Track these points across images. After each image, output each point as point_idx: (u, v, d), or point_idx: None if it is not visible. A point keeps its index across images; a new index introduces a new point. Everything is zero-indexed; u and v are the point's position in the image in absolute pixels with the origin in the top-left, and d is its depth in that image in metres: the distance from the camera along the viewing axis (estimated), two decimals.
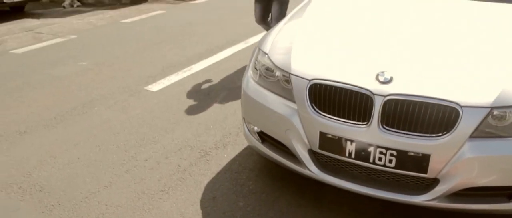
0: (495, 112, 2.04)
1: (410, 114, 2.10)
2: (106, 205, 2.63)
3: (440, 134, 2.07)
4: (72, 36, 6.94)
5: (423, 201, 2.20)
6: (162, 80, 4.70)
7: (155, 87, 4.54)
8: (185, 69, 5.07)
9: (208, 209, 2.57)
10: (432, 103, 2.07)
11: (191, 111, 3.92)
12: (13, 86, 4.69)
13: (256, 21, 5.00)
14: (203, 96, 4.25)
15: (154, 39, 6.48)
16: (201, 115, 3.84)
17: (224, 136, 3.44)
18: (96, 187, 2.81)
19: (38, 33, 7.32)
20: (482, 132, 2.06)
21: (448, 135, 2.05)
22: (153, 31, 7.04)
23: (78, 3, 10.33)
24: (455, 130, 2.05)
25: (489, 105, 2.03)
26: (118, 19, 8.28)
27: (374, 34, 2.60)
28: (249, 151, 3.16)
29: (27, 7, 9.75)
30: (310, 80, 2.32)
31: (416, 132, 2.10)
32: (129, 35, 6.87)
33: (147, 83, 4.62)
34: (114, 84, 4.60)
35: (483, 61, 2.27)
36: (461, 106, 2.04)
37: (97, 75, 4.93)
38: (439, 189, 2.16)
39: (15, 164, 3.12)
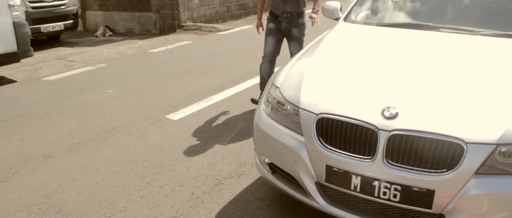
0: (503, 149, 2.05)
1: (414, 149, 2.14)
2: None
3: (444, 170, 2.09)
4: (101, 65, 7.21)
5: None
6: (183, 110, 4.84)
7: (176, 116, 4.67)
8: (207, 99, 5.20)
9: None
10: (437, 139, 2.10)
11: (208, 140, 4.02)
12: (42, 111, 4.90)
13: (264, 56, 4.68)
14: (222, 126, 4.35)
15: (179, 69, 6.67)
16: (218, 144, 3.93)
17: (239, 166, 3.51)
18: (112, 211, 2.91)
19: (70, 61, 7.63)
20: (490, 168, 2.08)
21: (453, 171, 2.08)
22: (179, 61, 7.24)
23: (110, 33, 10.73)
24: (459, 166, 2.07)
25: (494, 142, 2.05)
26: (146, 49, 8.56)
27: (382, 71, 2.67)
28: (262, 181, 3.21)
29: (63, 36, 10.18)
30: (317, 114, 2.39)
31: (420, 167, 2.13)
32: (156, 65, 7.09)
33: (169, 112, 4.76)
34: (137, 112, 4.76)
35: (489, 98, 2.30)
36: (466, 143, 2.06)
37: (122, 103, 5.11)
38: None
39: (37, 186, 3.26)
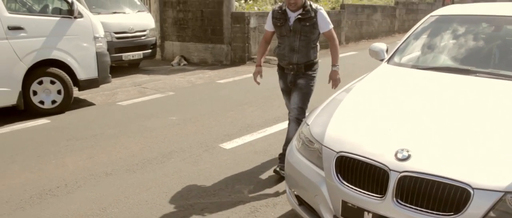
0: None
1: (422, 191, 2.25)
2: None
3: (451, 213, 2.18)
4: (171, 93, 7.76)
5: None
6: (236, 139, 5.14)
7: (228, 145, 4.98)
8: (260, 130, 5.47)
9: None
10: (444, 183, 2.20)
11: (254, 170, 4.27)
12: (111, 133, 5.43)
13: (289, 115, 4.19)
14: (268, 157, 4.59)
15: (241, 100, 7.03)
16: (262, 174, 4.16)
17: (277, 196, 3.72)
18: None
19: (144, 88, 8.29)
20: (502, 214, 2.12)
21: (459, 215, 2.15)
22: (242, 93, 7.62)
23: (185, 62, 11.42)
24: (465, 210, 2.14)
25: (502, 190, 2.11)
26: (214, 79, 9.07)
27: (405, 113, 2.80)
28: (294, 212, 3.39)
29: (142, 64, 11.01)
30: (337, 152, 2.58)
31: (428, 209, 2.23)
32: (220, 95, 7.52)
33: (223, 141, 5.08)
34: (194, 139, 5.13)
35: (503, 144, 2.35)
36: (473, 188, 2.14)
37: (182, 129, 5.53)
38: None
39: (96, 199, 3.68)
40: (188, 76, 9.51)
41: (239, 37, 11.00)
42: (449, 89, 3.13)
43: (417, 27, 4.12)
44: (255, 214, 3.43)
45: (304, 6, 3.81)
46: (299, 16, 3.79)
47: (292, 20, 3.82)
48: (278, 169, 4.02)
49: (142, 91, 8.01)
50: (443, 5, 14.85)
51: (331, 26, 3.94)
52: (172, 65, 11.23)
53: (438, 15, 4.13)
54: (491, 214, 2.12)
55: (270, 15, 3.99)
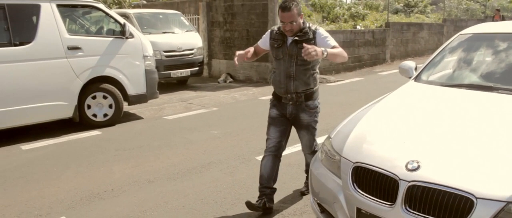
0: None
1: (429, 199, 2.40)
2: None
3: None
4: (215, 108, 8.13)
5: None
6: None
7: (284, 150, 5.21)
8: (296, 145, 5.65)
9: None
10: (449, 192, 2.34)
11: (286, 180, 4.49)
12: (156, 145, 5.82)
13: (267, 149, 3.78)
14: (301, 170, 4.79)
15: None
16: (292, 185, 4.38)
17: (305, 205, 3.92)
18: None
19: (189, 103, 8.72)
20: None
21: None
22: None
23: (231, 79, 11.83)
24: None
25: (505, 200, 2.23)
26: (257, 96, 9.38)
27: (418, 128, 2.94)
28: None
29: (190, 81, 11.52)
30: (354, 163, 2.77)
31: (434, 216, 2.38)
32: (262, 111, 7.79)
33: (259, 154, 5.33)
34: (232, 152, 5.42)
35: (509, 155, 2.46)
36: (476, 197, 2.27)
37: (222, 142, 5.84)
38: None
39: (138, 203, 4.03)
40: (232, 93, 9.87)
41: None
42: (467, 105, 3.25)
43: (446, 46, 4.24)
44: None
45: (302, 28, 3.52)
46: (296, 37, 3.48)
47: (289, 42, 3.53)
48: (304, 190, 4.18)
49: (187, 106, 8.43)
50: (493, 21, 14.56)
51: (334, 42, 3.53)
52: (218, 82, 11.66)
53: (467, 33, 4.24)
54: None
55: (267, 34, 3.69)
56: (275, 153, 3.75)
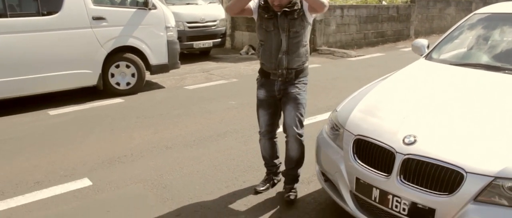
0: (509, 184, 2.34)
1: (422, 172, 2.54)
2: (201, 206, 3.54)
3: (446, 193, 2.46)
4: (234, 79, 8.31)
5: None
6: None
7: (279, 129, 5.39)
8: (311, 117, 5.83)
9: None
10: (441, 166, 2.48)
11: None
12: (175, 113, 6.06)
13: (261, 133, 3.68)
14: (313, 142, 4.94)
15: None
16: (306, 156, 4.53)
17: (313, 175, 4.09)
18: (201, 193, 3.75)
19: (210, 74, 8.91)
20: (494, 198, 2.36)
21: (452, 195, 2.42)
22: None
23: (253, 51, 11.94)
24: (458, 191, 2.41)
25: (493, 175, 2.36)
26: None
27: (420, 105, 3.05)
28: (323, 189, 3.76)
29: (212, 52, 11.69)
30: (355, 135, 2.92)
31: (426, 188, 2.52)
32: None
33: None
34: (247, 122, 5.61)
35: (503, 134, 2.57)
36: (466, 172, 2.40)
37: (238, 113, 6.03)
38: None
39: (155, 167, 4.28)
40: (253, 65, 10.01)
41: None
42: (472, 84, 3.33)
43: (459, 25, 4.28)
44: None
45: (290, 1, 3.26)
46: (286, 9, 3.24)
47: (279, 14, 3.27)
48: (287, 195, 3.62)
49: (208, 77, 8.62)
50: None
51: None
52: (240, 54, 11.79)
53: (484, 13, 4.26)
54: (481, 196, 2.37)
55: (256, 1, 3.36)
56: (269, 136, 3.66)
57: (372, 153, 2.80)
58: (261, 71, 3.50)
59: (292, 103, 3.41)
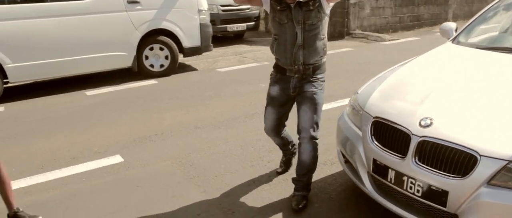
0: None
1: (437, 154, 2.57)
2: (226, 184, 3.69)
3: (459, 175, 2.49)
4: (266, 62, 8.40)
5: None
6: None
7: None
8: (339, 100, 5.87)
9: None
10: (456, 148, 2.50)
11: (324, 134, 4.67)
12: (207, 95, 6.23)
13: (266, 130, 3.51)
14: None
15: (330, 73, 7.39)
16: (329, 138, 4.60)
17: (336, 157, 4.16)
18: (226, 171, 3.90)
19: (243, 57, 9.03)
20: (508, 182, 2.37)
21: (465, 178, 2.45)
22: (334, 66, 7.94)
23: None
24: (471, 174, 2.43)
25: (507, 158, 2.37)
26: None
27: (440, 88, 3.04)
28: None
29: (246, 35, 11.79)
30: (373, 117, 2.98)
31: (440, 170, 2.56)
32: None
33: None
34: None
35: None
36: (480, 155, 2.43)
37: None
38: None
39: (183, 146, 4.46)
40: None
41: (339, 12, 11.24)
42: (496, 68, 3.30)
43: (491, 7, 4.21)
44: None
45: None
46: (300, 0, 3.02)
47: (293, 5, 3.05)
48: (296, 204, 3.30)
49: (241, 60, 8.75)
50: None
51: None
52: None
53: None
54: (495, 179, 2.39)
55: None
56: (274, 135, 3.51)
57: (389, 134, 2.85)
58: (276, 67, 3.28)
59: (308, 103, 3.19)
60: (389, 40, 10.69)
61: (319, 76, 3.23)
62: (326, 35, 3.18)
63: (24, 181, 3.81)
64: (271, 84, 3.33)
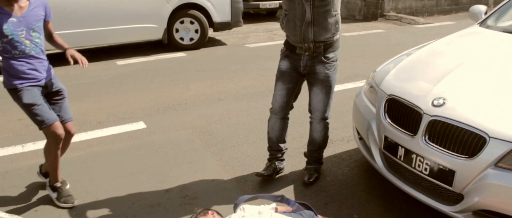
0: None
1: (446, 134, 2.59)
2: (242, 154, 3.79)
3: (467, 156, 2.50)
4: None
5: (450, 211, 2.59)
6: (338, 85, 5.60)
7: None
8: (363, 80, 5.85)
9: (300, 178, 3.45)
10: (465, 129, 2.51)
11: (343, 110, 4.76)
12: (233, 69, 6.32)
13: (273, 109, 3.34)
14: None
15: (357, 52, 7.39)
16: (350, 116, 4.63)
17: (353, 134, 4.20)
18: (243, 141, 4.01)
19: (273, 34, 9.05)
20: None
21: (473, 158, 2.46)
22: (361, 46, 7.94)
23: None
24: (479, 155, 2.43)
25: None
26: (341, 32, 9.41)
27: (457, 69, 3.03)
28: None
29: (279, 12, 11.76)
30: (388, 95, 3.00)
31: (448, 150, 2.57)
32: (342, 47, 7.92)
33: None
34: None
35: None
36: (489, 136, 2.43)
37: None
38: (464, 204, 2.53)
39: (205, 116, 4.58)
40: None
41: None
42: (499, 52, 3.24)
43: None
44: (329, 145, 3.94)
45: None
46: None
47: None
48: (307, 178, 3.34)
49: (271, 37, 8.78)
50: None
51: None
52: None
53: None
54: (502, 162, 2.38)
55: None
56: (281, 115, 3.33)
57: (402, 112, 2.87)
58: (287, 44, 3.19)
59: (320, 85, 3.12)
60: (423, 24, 10.47)
61: (330, 55, 3.10)
62: (339, 11, 3.03)
63: None
64: (281, 59, 3.25)
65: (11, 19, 2.74)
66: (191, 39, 7.48)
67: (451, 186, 2.56)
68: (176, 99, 5.06)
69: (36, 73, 2.91)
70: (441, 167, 2.59)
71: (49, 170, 3.12)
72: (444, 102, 2.67)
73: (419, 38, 8.75)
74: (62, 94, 3.12)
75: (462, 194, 2.53)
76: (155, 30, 7.13)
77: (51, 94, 3.05)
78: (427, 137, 2.67)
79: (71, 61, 3.06)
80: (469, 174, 2.48)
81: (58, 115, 3.03)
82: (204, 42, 7.60)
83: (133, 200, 3.12)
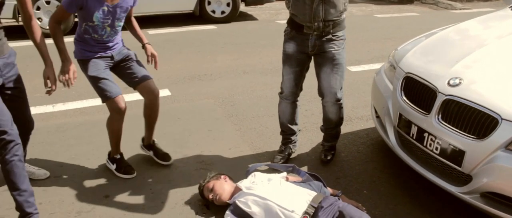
0: None
1: (459, 114, 2.59)
2: (261, 125, 3.89)
3: (477, 137, 2.50)
4: None
5: (458, 192, 2.60)
6: (363, 65, 5.63)
7: (355, 68, 5.51)
8: (371, 64, 5.78)
9: (315, 152, 3.52)
10: (478, 110, 2.50)
11: (365, 90, 4.76)
12: (261, 44, 6.38)
13: (283, 94, 3.26)
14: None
15: (387, 34, 7.31)
16: (366, 93, 4.64)
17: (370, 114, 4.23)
18: (263, 114, 4.10)
19: None
20: None
21: (484, 140, 2.46)
22: (392, 28, 7.83)
23: None
24: (490, 136, 2.43)
25: None
26: (374, 13, 9.31)
27: (479, 50, 2.99)
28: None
29: None
30: (406, 73, 3.01)
31: (460, 130, 2.58)
32: (372, 27, 7.85)
33: (352, 64, 5.59)
34: None
35: None
36: (502, 118, 2.42)
37: None
38: (472, 185, 2.54)
39: (228, 87, 4.69)
40: (351, 7, 9.89)
41: None
42: None
43: None
44: (347, 123, 4.01)
45: None
46: None
47: None
48: (324, 155, 3.38)
49: None
50: None
51: None
52: None
53: None
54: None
55: None
56: (292, 100, 3.25)
57: (418, 91, 2.88)
58: (292, 23, 3.01)
59: (330, 64, 3.00)
60: (460, 9, 10.19)
61: (339, 34, 2.99)
62: None
63: (80, 102, 4.26)
64: (286, 41, 3.09)
65: (103, 8, 2.82)
66: (223, 12, 7.56)
67: (460, 166, 2.57)
68: (202, 69, 5.18)
69: (106, 51, 3.03)
70: (451, 146, 2.60)
71: (110, 142, 3.17)
72: (460, 83, 2.67)
73: (452, 23, 8.55)
74: (130, 58, 3.20)
75: (471, 175, 2.54)
76: (187, 1, 7.24)
77: (119, 62, 3.15)
78: (440, 116, 2.68)
79: (150, 61, 3.25)
80: (478, 155, 2.48)
81: (135, 77, 3.14)
82: (235, 16, 7.66)
83: (152, 162, 3.27)
